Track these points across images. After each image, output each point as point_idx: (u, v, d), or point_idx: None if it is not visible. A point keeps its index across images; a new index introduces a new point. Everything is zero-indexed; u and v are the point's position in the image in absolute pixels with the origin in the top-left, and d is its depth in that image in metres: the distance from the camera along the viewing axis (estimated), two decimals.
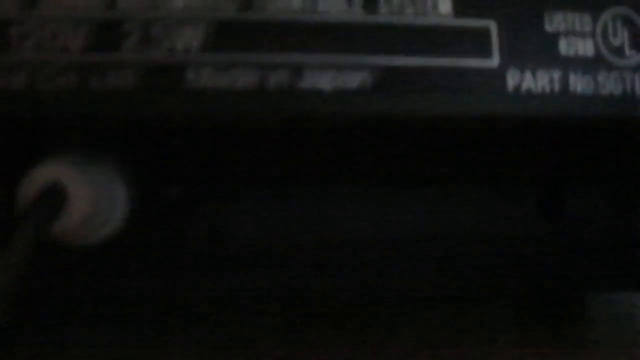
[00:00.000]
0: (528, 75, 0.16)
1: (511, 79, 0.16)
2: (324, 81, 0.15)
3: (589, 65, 0.16)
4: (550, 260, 0.21)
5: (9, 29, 0.15)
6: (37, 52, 0.15)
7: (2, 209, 0.17)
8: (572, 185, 0.20)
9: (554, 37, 0.16)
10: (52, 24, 0.15)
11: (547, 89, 0.16)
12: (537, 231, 0.21)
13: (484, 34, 0.16)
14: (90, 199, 0.16)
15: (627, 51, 0.16)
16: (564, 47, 0.16)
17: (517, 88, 0.16)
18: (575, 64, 0.16)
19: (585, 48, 0.16)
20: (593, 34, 0.16)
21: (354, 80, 0.15)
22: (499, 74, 0.16)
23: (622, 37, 0.16)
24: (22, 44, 0.15)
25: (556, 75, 0.16)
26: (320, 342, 0.20)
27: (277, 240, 0.20)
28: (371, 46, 0.15)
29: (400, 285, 0.21)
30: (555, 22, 0.16)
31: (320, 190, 0.20)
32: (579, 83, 0.16)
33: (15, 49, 0.15)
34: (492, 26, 0.16)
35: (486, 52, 0.16)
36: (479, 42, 0.16)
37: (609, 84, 0.16)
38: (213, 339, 0.20)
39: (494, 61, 0.16)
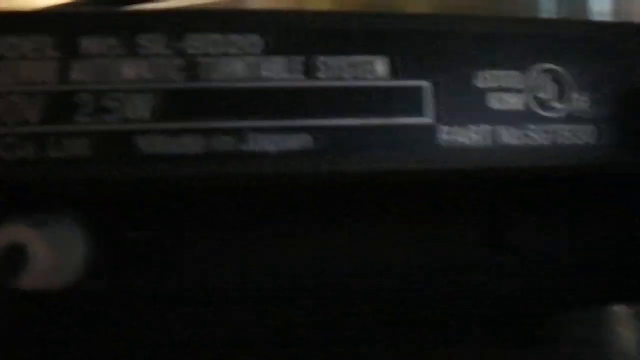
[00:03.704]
0: (461, 130, 0.17)
1: (445, 135, 0.17)
2: (269, 144, 0.16)
3: (519, 118, 0.17)
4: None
5: None
6: None
7: None
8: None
9: (485, 94, 0.17)
10: (8, 97, 0.16)
11: (480, 143, 0.17)
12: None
13: (418, 93, 0.17)
14: (50, 256, 0.17)
15: (555, 104, 0.17)
16: (495, 102, 0.17)
17: (451, 143, 0.17)
18: (506, 118, 0.17)
19: (515, 102, 0.17)
20: (522, 89, 0.17)
21: (297, 142, 0.16)
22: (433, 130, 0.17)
23: (549, 91, 0.17)
24: None
25: (488, 129, 0.17)
26: None
27: (238, 283, 0.21)
28: (312, 109, 0.16)
29: (356, 322, 0.21)
30: (486, 79, 0.17)
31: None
32: (509, 136, 0.17)
33: None
34: (425, 86, 0.17)
35: (420, 110, 0.17)
36: (413, 101, 0.17)
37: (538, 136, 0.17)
38: None
39: (428, 119, 0.17)
